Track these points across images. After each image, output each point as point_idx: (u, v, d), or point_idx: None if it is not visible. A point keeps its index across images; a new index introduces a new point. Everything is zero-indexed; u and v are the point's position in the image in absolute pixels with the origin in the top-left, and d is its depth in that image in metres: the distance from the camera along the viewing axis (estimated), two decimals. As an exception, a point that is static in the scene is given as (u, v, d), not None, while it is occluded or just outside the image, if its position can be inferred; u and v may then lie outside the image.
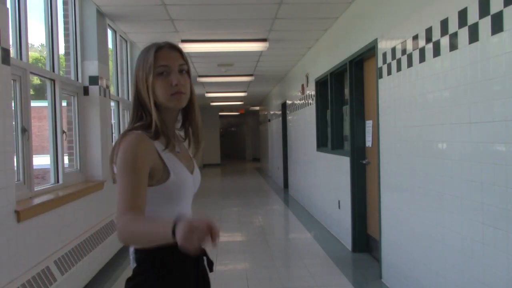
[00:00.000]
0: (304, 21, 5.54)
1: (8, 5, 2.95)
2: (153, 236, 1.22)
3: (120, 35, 6.22)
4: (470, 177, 2.58)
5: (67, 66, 4.65)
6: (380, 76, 3.96)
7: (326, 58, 6.13)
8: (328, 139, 6.36)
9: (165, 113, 1.46)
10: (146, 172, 1.35)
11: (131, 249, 1.44)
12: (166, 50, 1.43)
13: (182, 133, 1.58)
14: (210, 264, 1.55)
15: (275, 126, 12.71)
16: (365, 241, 5.00)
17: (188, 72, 1.47)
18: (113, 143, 1.41)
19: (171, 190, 1.41)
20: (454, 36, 2.69)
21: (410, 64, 3.34)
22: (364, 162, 4.85)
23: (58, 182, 4.03)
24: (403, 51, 3.46)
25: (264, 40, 6.29)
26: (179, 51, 1.47)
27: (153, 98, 1.41)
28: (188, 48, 6.30)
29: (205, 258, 1.54)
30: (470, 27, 2.52)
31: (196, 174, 1.56)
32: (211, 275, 1.60)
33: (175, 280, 1.41)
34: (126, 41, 6.61)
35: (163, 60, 1.41)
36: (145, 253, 1.39)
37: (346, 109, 5.42)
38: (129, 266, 1.44)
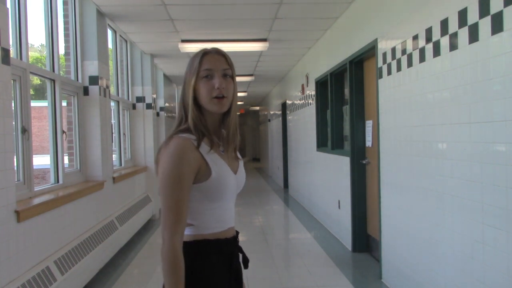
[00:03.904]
0: (304, 21, 5.54)
1: (8, 5, 2.95)
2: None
3: (120, 35, 6.22)
4: (470, 177, 2.58)
5: (67, 66, 4.65)
6: (380, 76, 3.96)
7: (326, 58, 6.13)
8: (328, 139, 6.37)
9: (208, 115, 1.51)
10: (190, 182, 1.42)
11: None
12: (211, 55, 1.50)
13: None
14: (246, 261, 1.62)
15: (275, 126, 12.70)
16: (365, 241, 5.00)
17: (232, 77, 1.52)
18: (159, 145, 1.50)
19: (212, 189, 1.46)
20: (454, 36, 2.69)
21: (410, 64, 3.34)
22: (364, 162, 4.85)
23: (58, 182, 4.03)
24: (403, 51, 3.46)
25: (264, 40, 6.29)
26: (225, 56, 1.52)
27: (193, 99, 1.48)
28: (188, 48, 6.28)
29: (241, 255, 1.61)
30: (470, 27, 2.52)
31: (240, 174, 1.60)
32: None
33: (208, 273, 1.48)
34: (126, 41, 6.62)
35: (208, 64, 1.48)
36: (184, 246, 1.45)
37: (346, 109, 5.42)
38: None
